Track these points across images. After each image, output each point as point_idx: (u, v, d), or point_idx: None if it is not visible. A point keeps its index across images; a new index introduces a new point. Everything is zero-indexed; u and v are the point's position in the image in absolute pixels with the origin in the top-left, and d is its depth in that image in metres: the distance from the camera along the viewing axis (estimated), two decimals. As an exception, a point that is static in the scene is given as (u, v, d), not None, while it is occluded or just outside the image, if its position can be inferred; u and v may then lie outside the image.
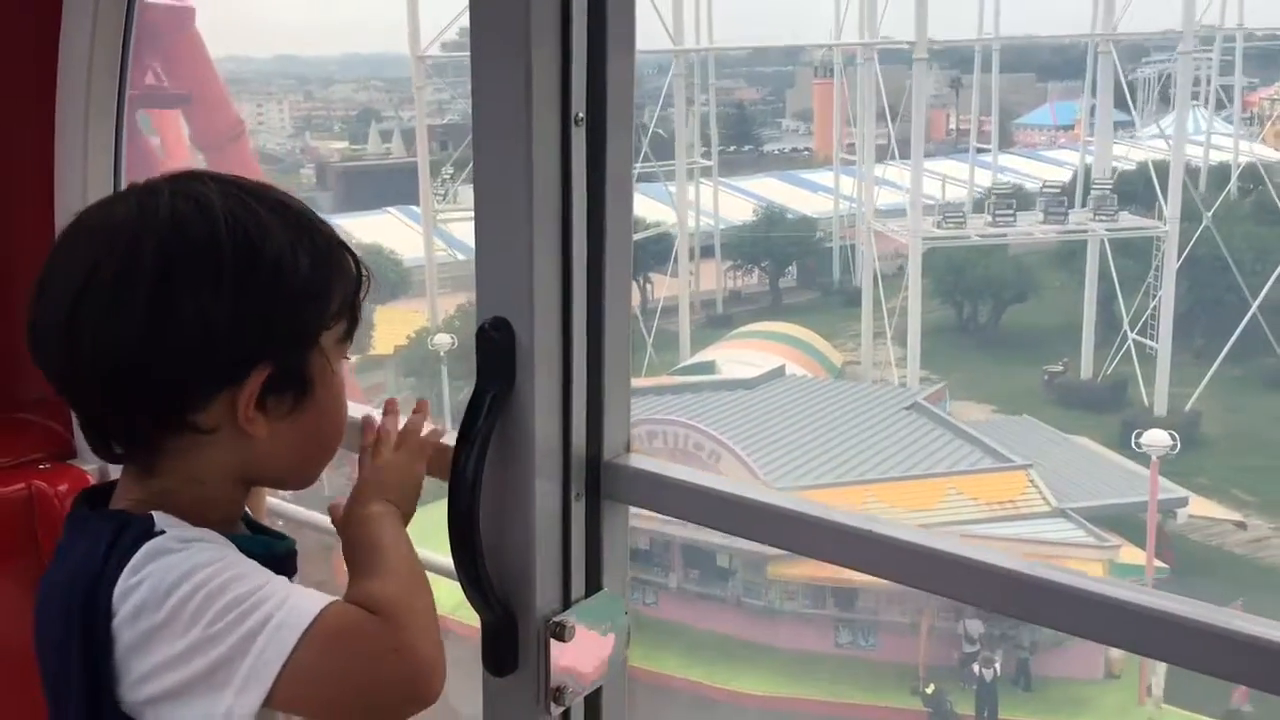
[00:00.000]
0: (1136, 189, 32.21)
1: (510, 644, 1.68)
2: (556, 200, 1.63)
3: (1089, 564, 19.30)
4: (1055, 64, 48.75)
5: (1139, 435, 21.61)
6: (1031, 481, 20.87)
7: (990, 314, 35.49)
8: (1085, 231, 30.66)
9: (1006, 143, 45.56)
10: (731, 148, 48.18)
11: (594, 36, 1.62)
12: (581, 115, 1.62)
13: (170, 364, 1.40)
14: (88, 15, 2.14)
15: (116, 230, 1.43)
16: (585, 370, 1.70)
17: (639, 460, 1.74)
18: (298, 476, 1.59)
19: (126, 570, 1.38)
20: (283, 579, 1.44)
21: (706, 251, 37.76)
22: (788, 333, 31.37)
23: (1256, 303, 29.15)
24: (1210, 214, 31.05)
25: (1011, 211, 30.88)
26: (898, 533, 1.59)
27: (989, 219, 31.02)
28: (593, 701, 1.79)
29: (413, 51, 28.61)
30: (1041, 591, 1.48)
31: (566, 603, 1.71)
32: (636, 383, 21.11)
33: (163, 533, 1.42)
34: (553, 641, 1.67)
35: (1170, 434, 21.24)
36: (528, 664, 1.68)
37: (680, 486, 1.71)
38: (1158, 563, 19.75)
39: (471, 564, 1.63)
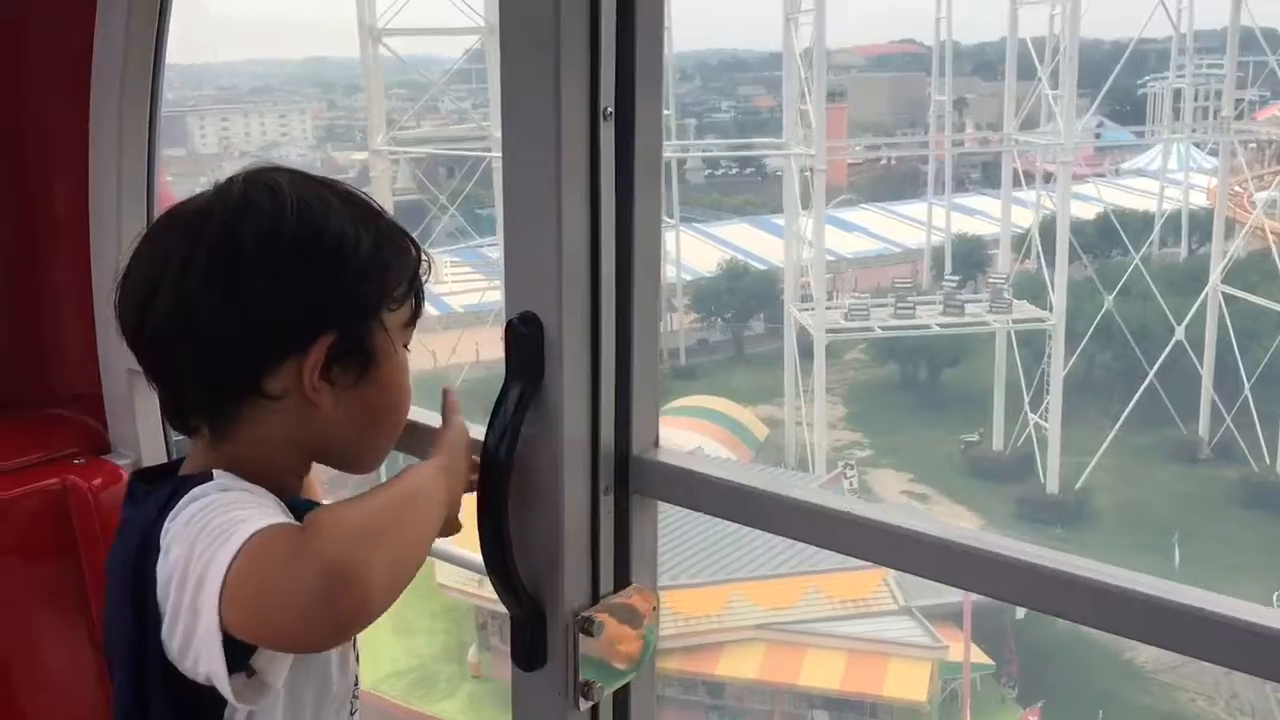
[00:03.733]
0: (1097, 238, 30.94)
1: (539, 639, 1.57)
2: (585, 194, 1.53)
3: (920, 663, 19.49)
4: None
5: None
6: (885, 580, 20.47)
7: (928, 375, 35.24)
8: (987, 324, 30.75)
9: (994, 177, 42.83)
10: (734, 169, 46.40)
11: (623, 29, 1.52)
12: (610, 109, 1.53)
13: (243, 332, 1.42)
14: (121, 16, 2.05)
15: (196, 214, 1.47)
16: (614, 365, 1.59)
17: (668, 455, 1.63)
18: (359, 454, 1.54)
19: (173, 512, 1.35)
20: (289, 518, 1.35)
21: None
22: (714, 408, 31.08)
23: (1153, 371, 29.12)
24: (1112, 296, 31.00)
25: (911, 306, 31.07)
26: (929, 529, 1.48)
27: (892, 310, 31.16)
28: (620, 697, 1.66)
29: (370, 145, 28.31)
30: (1060, 583, 1.38)
31: (595, 598, 1.60)
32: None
33: (213, 480, 1.39)
34: (581, 636, 1.56)
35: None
36: (556, 659, 1.57)
37: (709, 481, 1.59)
38: (986, 659, 19.93)
39: (500, 559, 1.52)
